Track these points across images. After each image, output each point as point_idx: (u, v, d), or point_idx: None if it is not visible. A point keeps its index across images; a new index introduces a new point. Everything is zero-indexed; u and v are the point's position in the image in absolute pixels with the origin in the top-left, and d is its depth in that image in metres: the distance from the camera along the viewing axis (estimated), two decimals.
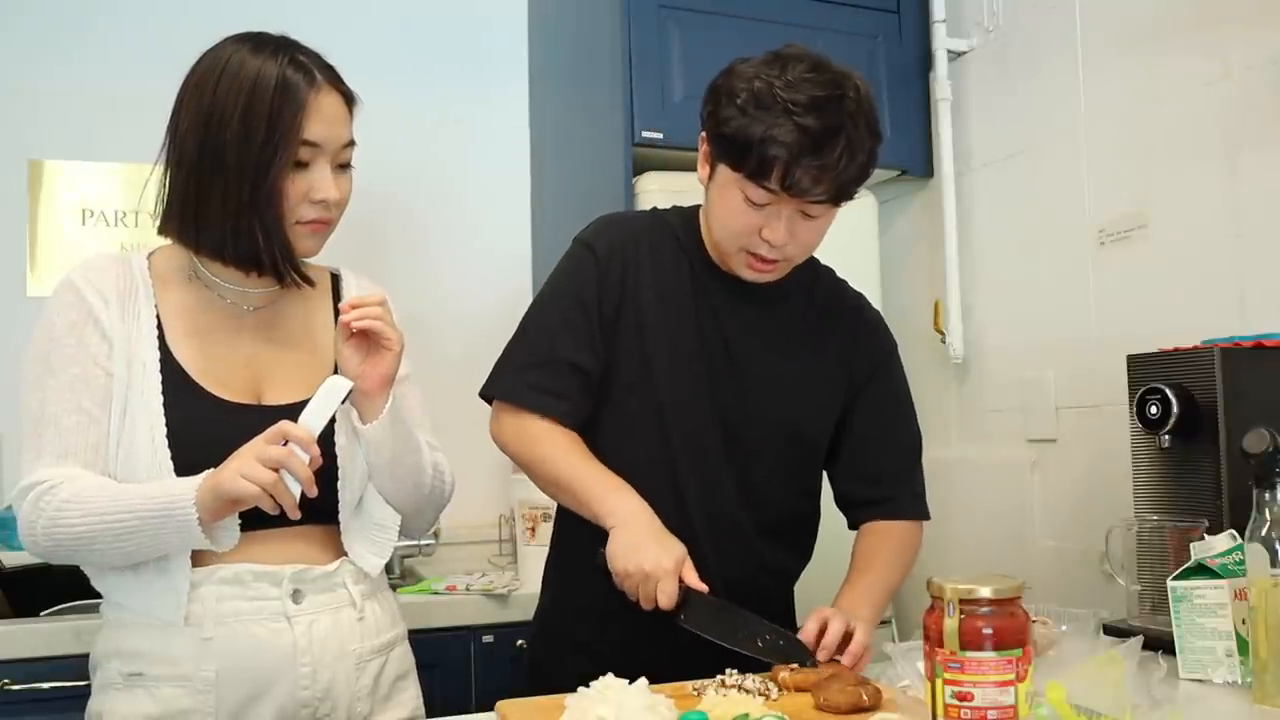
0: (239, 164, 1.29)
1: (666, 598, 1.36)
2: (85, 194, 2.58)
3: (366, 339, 1.32)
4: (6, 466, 2.41)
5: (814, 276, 1.64)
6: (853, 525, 1.65)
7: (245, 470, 1.18)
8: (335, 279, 1.51)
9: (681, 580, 1.37)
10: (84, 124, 2.57)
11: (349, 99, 1.37)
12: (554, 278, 1.59)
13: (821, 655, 1.38)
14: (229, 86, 1.30)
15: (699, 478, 1.53)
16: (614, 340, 1.53)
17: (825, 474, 1.67)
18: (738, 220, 1.45)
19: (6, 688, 1.84)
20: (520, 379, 1.53)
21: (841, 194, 1.43)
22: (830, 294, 1.65)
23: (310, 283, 1.41)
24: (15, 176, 2.54)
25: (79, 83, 2.57)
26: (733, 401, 1.54)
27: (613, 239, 1.57)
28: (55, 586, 2.00)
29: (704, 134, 1.49)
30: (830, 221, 1.48)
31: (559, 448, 1.50)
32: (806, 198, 1.40)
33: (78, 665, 1.82)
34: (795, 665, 1.35)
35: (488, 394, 1.57)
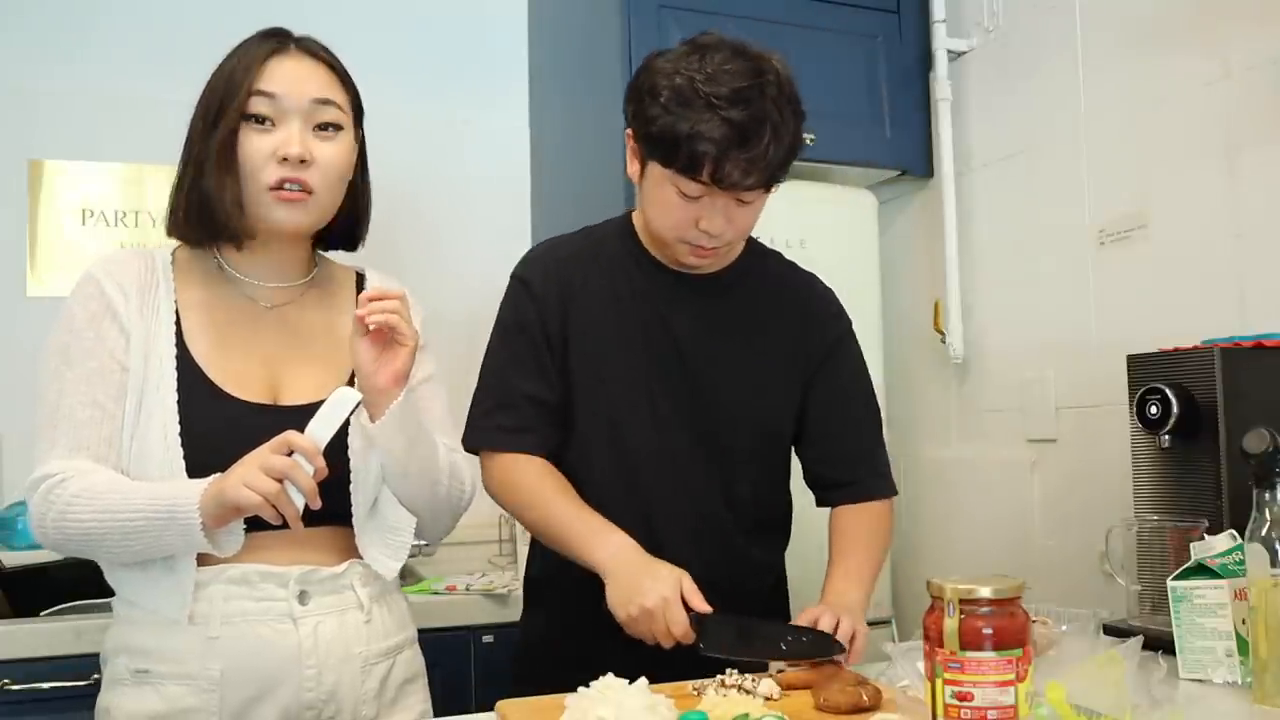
0: (202, 135, 1.30)
1: (679, 628, 1.34)
2: (85, 194, 2.58)
3: (381, 334, 1.30)
4: (6, 466, 2.41)
5: (760, 262, 1.64)
6: (820, 504, 1.66)
7: (249, 479, 1.17)
8: (360, 278, 1.50)
9: (688, 606, 1.36)
10: (84, 124, 2.57)
11: (329, 65, 1.37)
12: (498, 317, 1.60)
13: None
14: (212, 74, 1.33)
15: (673, 484, 1.53)
16: (565, 366, 1.54)
17: (795, 456, 1.67)
18: (674, 215, 1.46)
19: (6, 688, 1.84)
20: (486, 424, 1.55)
21: (772, 181, 1.44)
22: (778, 278, 1.65)
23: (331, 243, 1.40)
24: (15, 176, 2.53)
25: (79, 83, 2.57)
26: (694, 400, 1.54)
27: (545, 267, 1.58)
28: (55, 586, 2.00)
29: (629, 131, 1.49)
30: (765, 201, 1.49)
31: (538, 495, 1.50)
32: (737, 190, 1.41)
33: (78, 665, 1.82)
34: (817, 660, 1.34)
35: (465, 447, 1.56)
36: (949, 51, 2.54)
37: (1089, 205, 2.20)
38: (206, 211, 1.32)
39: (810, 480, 1.67)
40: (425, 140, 2.81)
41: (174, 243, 1.42)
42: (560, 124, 2.78)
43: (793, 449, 1.67)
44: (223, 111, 1.30)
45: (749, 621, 1.40)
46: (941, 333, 2.54)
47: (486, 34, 2.93)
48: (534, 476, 1.52)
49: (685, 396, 1.54)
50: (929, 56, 2.58)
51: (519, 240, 2.90)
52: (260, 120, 1.31)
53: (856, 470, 1.63)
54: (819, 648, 1.37)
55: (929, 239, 2.61)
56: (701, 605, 1.36)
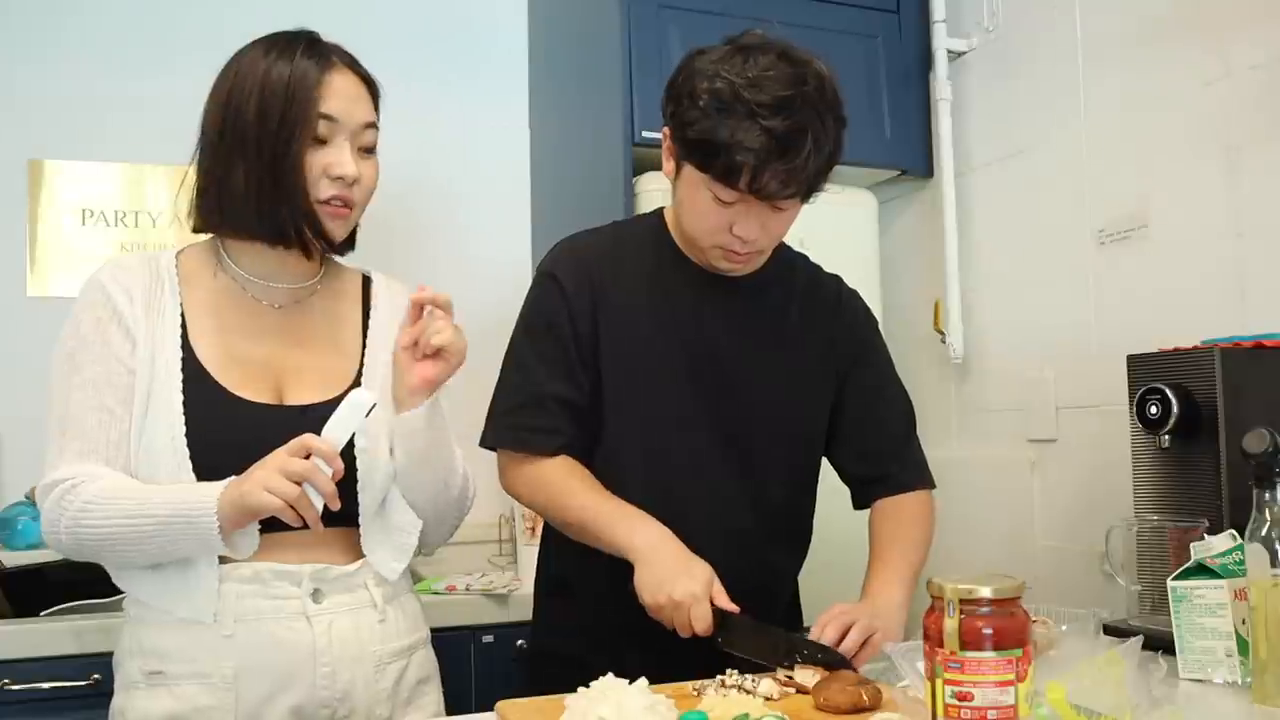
0: (259, 141, 1.30)
1: (702, 623, 1.35)
2: (85, 194, 2.58)
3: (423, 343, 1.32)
4: (6, 466, 2.41)
5: (790, 268, 1.64)
6: (859, 504, 1.65)
7: (269, 483, 1.18)
8: (366, 281, 1.50)
9: (712, 602, 1.36)
10: (84, 124, 2.57)
11: (368, 83, 1.38)
12: (524, 313, 1.57)
13: None
14: (249, 70, 1.32)
15: (703, 490, 1.52)
16: (595, 365, 1.52)
17: (826, 459, 1.67)
18: (709, 219, 1.44)
19: (6, 688, 1.83)
20: (510, 422, 1.52)
21: (810, 191, 1.43)
22: (809, 281, 1.64)
23: (336, 247, 1.40)
24: (15, 176, 2.53)
25: (79, 83, 2.56)
26: (726, 404, 1.53)
27: (576, 263, 1.55)
28: (55, 586, 1.99)
29: (667, 130, 1.47)
30: (800, 208, 1.48)
31: (566, 488, 1.49)
32: (774, 200, 1.39)
33: (78, 665, 1.82)
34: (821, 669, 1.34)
35: (485, 444, 1.55)
36: (949, 51, 2.54)
37: (1089, 205, 2.20)
38: (275, 224, 1.33)
39: (846, 479, 1.66)
40: (425, 140, 2.81)
41: (178, 245, 1.43)
42: (560, 124, 2.78)
43: (825, 456, 1.66)
44: (284, 124, 1.30)
45: (767, 629, 1.39)
46: (941, 333, 2.54)
47: (486, 34, 2.93)
48: (563, 473, 1.50)
49: (718, 398, 1.53)
50: (929, 56, 2.58)
51: (519, 240, 2.90)
52: (319, 140, 1.33)
53: (890, 464, 1.63)
54: (833, 664, 1.34)
55: (929, 239, 2.61)
56: (728, 605, 1.37)
